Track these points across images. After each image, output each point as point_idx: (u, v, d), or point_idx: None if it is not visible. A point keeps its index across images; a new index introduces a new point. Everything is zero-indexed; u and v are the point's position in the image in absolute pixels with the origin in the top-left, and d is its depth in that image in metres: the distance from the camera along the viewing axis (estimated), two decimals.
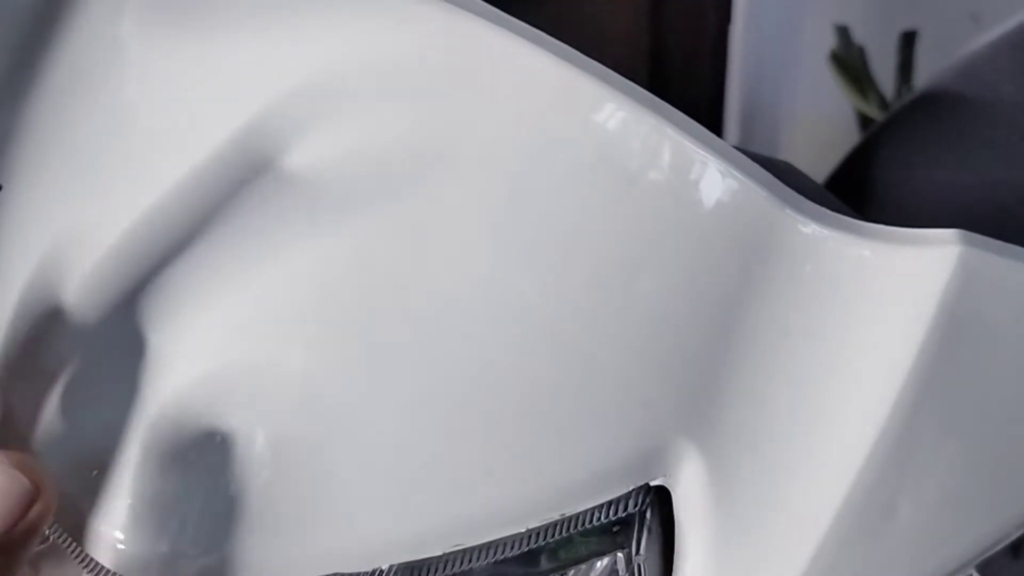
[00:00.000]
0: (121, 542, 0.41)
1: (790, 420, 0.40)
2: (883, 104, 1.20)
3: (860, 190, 0.88)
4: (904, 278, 0.39)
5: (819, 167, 0.94)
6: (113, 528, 0.42)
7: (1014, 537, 0.44)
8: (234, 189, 0.42)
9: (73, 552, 0.42)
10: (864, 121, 1.21)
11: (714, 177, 0.39)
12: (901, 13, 1.22)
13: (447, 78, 0.41)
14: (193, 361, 0.42)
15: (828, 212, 0.40)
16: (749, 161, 0.40)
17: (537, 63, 0.39)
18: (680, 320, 0.40)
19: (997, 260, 0.40)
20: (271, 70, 0.43)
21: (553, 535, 0.40)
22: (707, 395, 0.40)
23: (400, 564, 0.39)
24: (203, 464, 0.41)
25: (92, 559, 0.41)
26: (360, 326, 0.41)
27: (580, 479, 0.40)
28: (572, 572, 0.40)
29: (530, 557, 0.40)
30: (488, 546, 0.39)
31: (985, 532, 0.43)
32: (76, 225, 0.44)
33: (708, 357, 0.40)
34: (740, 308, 0.40)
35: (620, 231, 0.40)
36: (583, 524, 0.40)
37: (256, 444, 0.41)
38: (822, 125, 1.27)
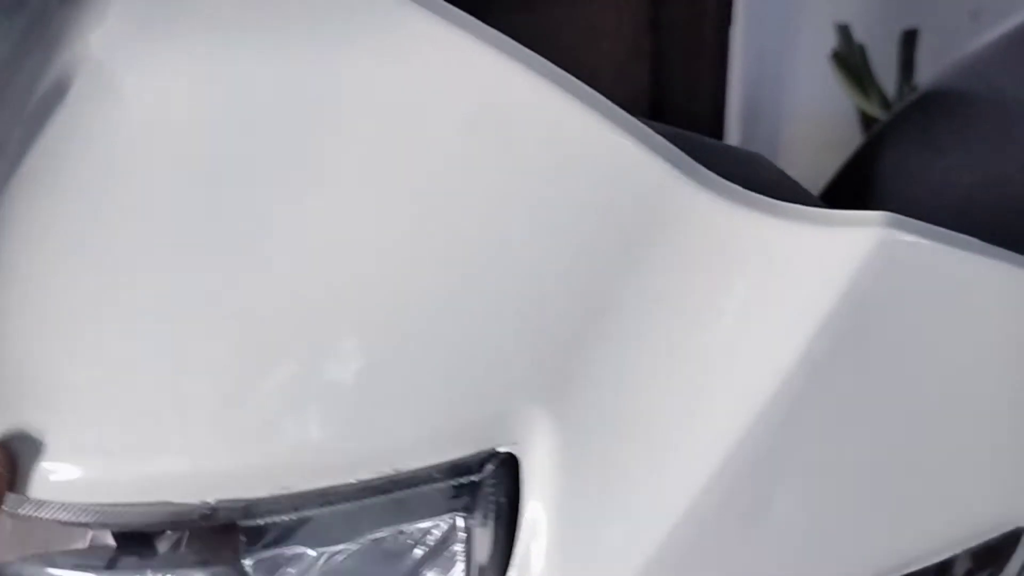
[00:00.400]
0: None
1: (656, 399, 0.39)
2: (884, 102, 1.20)
3: (866, 188, 0.88)
4: (815, 259, 0.39)
5: (820, 166, 0.95)
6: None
7: (931, 562, 0.42)
8: None
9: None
10: (866, 120, 1.21)
11: (599, 138, 0.39)
12: (902, 12, 1.23)
13: (338, 35, 0.41)
14: None
15: (737, 188, 0.40)
16: (644, 128, 0.39)
17: (423, 23, 0.39)
18: (546, 282, 0.39)
19: (923, 244, 0.39)
20: None
21: (387, 491, 0.39)
22: (567, 364, 0.39)
23: (227, 499, 0.38)
24: None
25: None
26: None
27: (417, 435, 0.39)
28: (409, 530, 0.40)
29: (365, 512, 0.39)
30: (316, 493, 0.38)
31: (887, 549, 0.41)
32: None
33: (574, 325, 0.39)
34: (618, 279, 0.39)
35: (492, 185, 0.39)
36: (421, 484, 0.39)
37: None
38: (823, 124, 1.27)
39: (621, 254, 0.39)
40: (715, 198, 0.39)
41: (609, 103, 0.39)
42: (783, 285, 0.38)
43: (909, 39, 1.19)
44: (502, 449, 0.39)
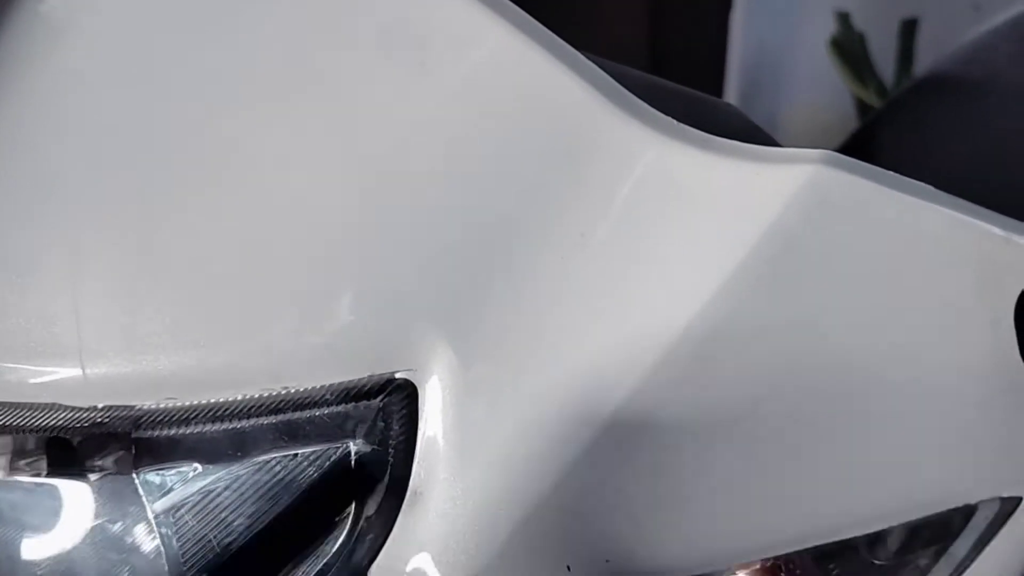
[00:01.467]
0: None
1: (563, 330, 0.38)
2: (882, 91, 1.19)
3: None
4: (746, 193, 0.37)
5: None
6: None
7: (858, 532, 0.39)
8: None
9: None
10: (863, 108, 1.20)
11: (518, 57, 0.37)
12: (902, 1, 1.22)
13: None
14: None
15: (678, 125, 0.38)
16: (573, 52, 0.38)
17: None
18: (454, 207, 0.38)
19: (858, 181, 0.37)
20: None
21: (278, 411, 0.38)
22: (473, 291, 0.38)
23: (115, 405, 0.38)
24: None
25: None
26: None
27: (307, 354, 0.38)
28: (301, 452, 0.39)
29: (255, 432, 0.38)
30: (204, 408, 0.38)
31: (809, 510, 0.38)
32: None
33: (480, 252, 0.38)
34: (537, 208, 0.38)
35: (402, 101, 0.38)
36: (314, 408, 0.38)
37: None
38: (821, 112, 1.26)
39: (539, 185, 0.38)
40: (641, 127, 0.38)
41: (527, 16, 0.38)
42: (709, 220, 0.37)
43: (908, 28, 1.18)
44: (400, 375, 0.38)
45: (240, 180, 0.39)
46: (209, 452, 0.39)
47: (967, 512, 0.41)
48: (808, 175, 0.37)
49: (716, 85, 1.31)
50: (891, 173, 0.38)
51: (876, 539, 0.41)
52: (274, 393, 0.38)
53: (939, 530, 0.42)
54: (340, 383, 0.38)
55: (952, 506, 0.40)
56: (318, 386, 0.38)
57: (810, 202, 0.37)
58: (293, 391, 0.38)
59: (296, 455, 0.39)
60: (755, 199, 0.37)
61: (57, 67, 0.43)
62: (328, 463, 0.38)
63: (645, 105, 0.39)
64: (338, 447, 0.38)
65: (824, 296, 0.38)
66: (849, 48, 1.19)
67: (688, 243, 0.38)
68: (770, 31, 1.29)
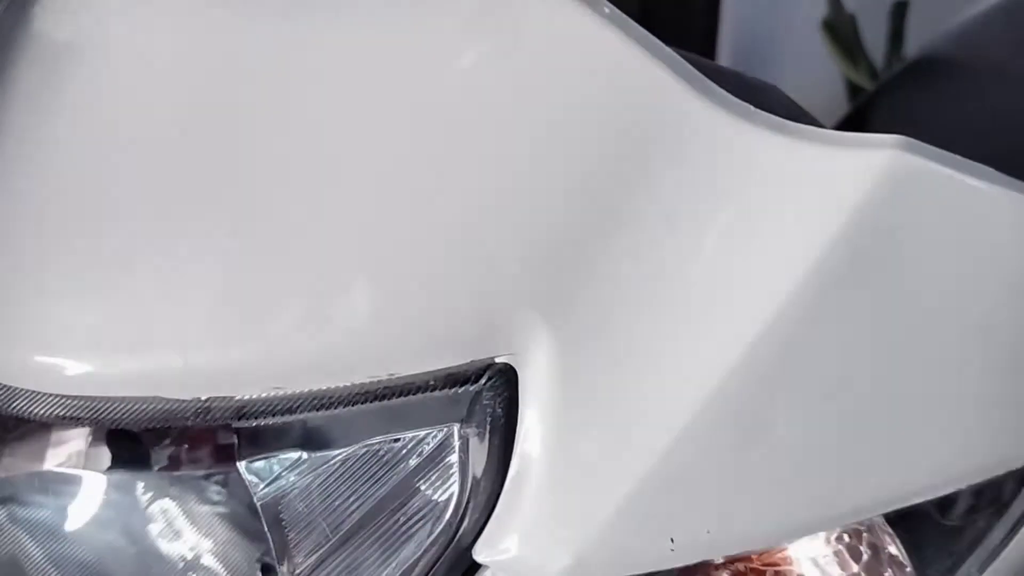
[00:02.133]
0: None
1: (660, 313, 0.39)
2: (873, 73, 1.21)
3: None
4: (828, 179, 0.38)
5: None
6: None
7: (933, 496, 0.42)
8: None
9: None
10: (853, 90, 1.23)
11: (609, 48, 0.38)
12: None
13: None
14: None
15: (757, 111, 0.39)
16: (655, 41, 0.39)
17: None
18: (550, 191, 0.39)
19: (935, 168, 0.39)
20: None
21: (383, 398, 0.38)
22: (569, 277, 0.39)
23: (218, 397, 0.38)
24: None
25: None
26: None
27: (413, 340, 0.38)
28: (404, 437, 0.39)
29: (360, 418, 0.39)
30: (309, 396, 0.38)
31: (888, 479, 0.40)
32: None
33: (576, 236, 0.39)
34: (628, 190, 0.39)
35: (497, 89, 0.39)
36: (417, 392, 0.38)
37: None
38: (812, 92, 1.28)
39: (629, 169, 0.39)
40: (726, 115, 0.39)
41: (621, 14, 0.39)
42: (792, 205, 0.39)
43: (899, 10, 1.21)
44: (500, 359, 0.39)
45: (335, 164, 0.40)
46: (314, 439, 0.39)
47: (1021, 475, 0.44)
48: (887, 160, 0.38)
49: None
50: (959, 157, 0.40)
51: (945, 502, 0.43)
52: (379, 379, 0.38)
53: (997, 492, 0.45)
54: (443, 369, 0.38)
55: (1011, 468, 0.43)
56: (422, 372, 0.38)
57: (890, 186, 0.38)
58: (397, 377, 0.38)
59: (400, 439, 0.39)
60: (837, 184, 0.39)
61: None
62: (431, 447, 0.39)
63: (725, 93, 0.40)
64: (441, 431, 0.39)
65: (906, 275, 0.39)
66: (840, 30, 1.21)
67: (774, 227, 0.39)
68: (761, 13, 1.31)
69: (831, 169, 0.39)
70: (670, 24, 1.30)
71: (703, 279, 0.39)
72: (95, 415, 0.39)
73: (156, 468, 0.41)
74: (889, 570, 0.43)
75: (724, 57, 1.32)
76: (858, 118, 0.98)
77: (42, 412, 0.38)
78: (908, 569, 0.44)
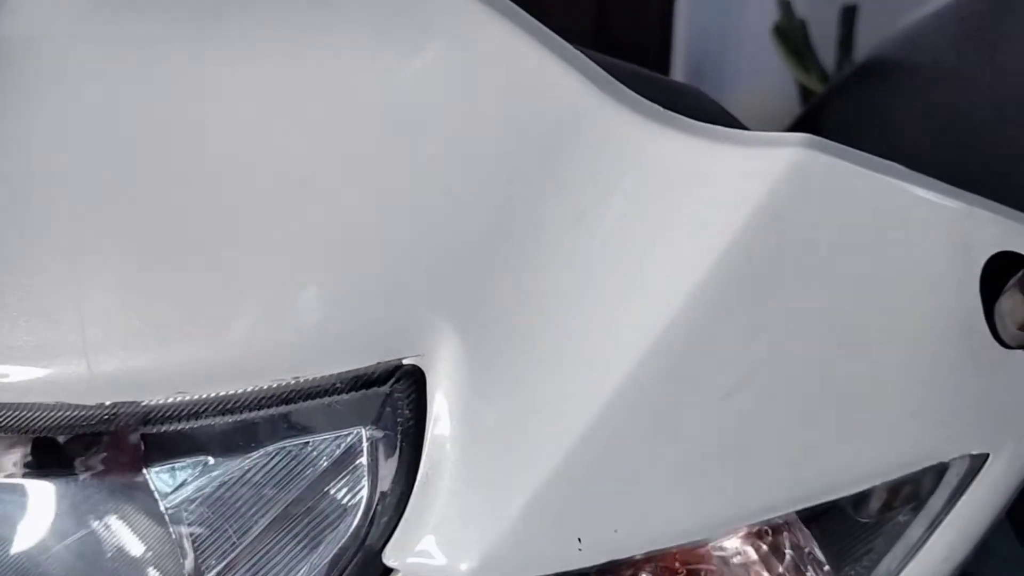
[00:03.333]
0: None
1: (564, 312, 0.39)
2: (824, 77, 1.22)
3: None
4: (731, 177, 0.39)
5: None
6: None
7: (846, 493, 0.41)
8: None
9: None
10: (805, 93, 1.24)
11: (515, 51, 0.39)
12: None
13: None
14: None
15: (662, 111, 0.40)
16: (563, 44, 0.39)
17: None
18: (456, 193, 0.39)
19: (840, 165, 0.39)
20: None
21: (289, 400, 0.38)
22: (475, 275, 0.39)
23: (123, 402, 0.38)
24: None
25: None
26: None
27: (319, 342, 0.38)
28: (313, 440, 0.39)
29: (266, 422, 0.39)
30: (215, 401, 0.38)
31: (799, 476, 0.40)
32: None
33: (483, 235, 0.39)
34: (533, 191, 0.39)
35: (405, 91, 0.39)
36: (324, 396, 0.38)
37: None
38: (765, 97, 1.29)
39: (535, 170, 0.39)
40: (632, 114, 0.39)
41: (527, 16, 0.40)
42: (697, 203, 0.39)
43: (848, 15, 1.22)
44: (407, 361, 0.39)
45: (242, 169, 0.40)
46: (221, 444, 0.39)
47: (940, 469, 0.44)
48: (791, 158, 0.39)
49: (662, 73, 1.33)
50: (866, 154, 0.40)
51: (860, 499, 0.43)
52: (284, 383, 0.38)
53: (915, 488, 0.44)
54: (349, 371, 0.38)
55: (927, 464, 0.43)
56: (327, 374, 0.38)
57: (794, 183, 0.39)
58: (303, 380, 0.38)
59: (308, 443, 0.39)
60: (742, 182, 0.39)
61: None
62: (340, 450, 0.39)
63: (632, 93, 0.40)
64: (349, 433, 0.39)
65: (810, 271, 0.40)
66: (791, 35, 1.22)
67: (678, 225, 0.39)
68: (714, 19, 1.32)
69: (737, 168, 0.39)
70: (625, 36, 1.31)
71: (607, 277, 0.39)
72: (3, 423, 0.38)
73: (80, 476, 0.40)
74: (810, 568, 0.43)
75: (679, 66, 1.33)
76: (809, 120, 0.99)
77: None
78: (826, 568, 0.44)
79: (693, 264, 0.39)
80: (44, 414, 0.38)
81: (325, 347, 0.39)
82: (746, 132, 0.40)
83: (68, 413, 0.38)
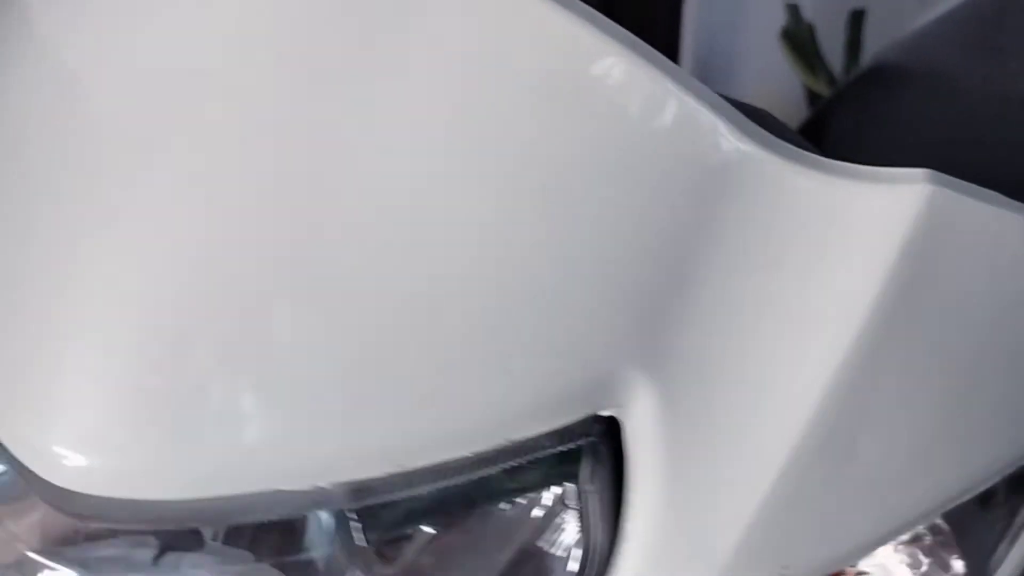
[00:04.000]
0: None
1: (746, 354, 0.40)
2: (831, 81, 1.22)
3: None
4: (872, 214, 0.40)
5: None
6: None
7: (981, 489, 0.47)
8: None
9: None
10: (812, 97, 1.24)
11: (675, 106, 0.39)
12: None
13: None
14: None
15: (798, 150, 0.41)
16: (712, 94, 0.40)
17: None
18: (634, 247, 0.40)
19: (963, 200, 0.42)
20: None
21: (501, 462, 0.39)
22: (660, 325, 0.40)
23: (341, 483, 0.37)
24: None
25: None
26: (300, 248, 0.38)
27: (526, 405, 0.39)
28: (522, 501, 0.40)
29: (479, 485, 0.39)
30: (432, 470, 0.38)
31: (952, 481, 0.45)
32: None
33: (663, 286, 0.40)
34: (698, 238, 0.40)
35: (573, 152, 0.39)
36: (532, 453, 0.39)
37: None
38: (772, 101, 1.29)
39: (701, 219, 0.40)
40: (779, 159, 0.40)
41: (675, 66, 0.40)
42: (847, 240, 0.40)
43: (856, 19, 1.22)
44: (605, 413, 0.39)
45: (451, 251, 0.39)
46: (435, 511, 0.40)
47: None
48: (926, 196, 0.40)
49: None
50: (972, 185, 0.43)
51: (988, 494, 0.48)
52: (499, 446, 0.38)
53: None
54: (555, 427, 0.39)
55: None
56: (536, 434, 0.39)
57: (932, 218, 0.40)
58: (515, 441, 0.38)
59: (518, 502, 0.40)
60: (885, 219, 0.40)
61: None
62: (548, 506, 0.40)
63: (765, 132, 0.40)
64: (556, 490, 0.40)
65: (949, 299, 0.43)
66: (799, 39, 1.22)
67: (832, 264, 0.41)
68: (722, 22, 1.32)
69: (876, 205, 0.41)
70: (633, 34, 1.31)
71: (780, 318, 0.41)
72: (211, 518, 0.38)
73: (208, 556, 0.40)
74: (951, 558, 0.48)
75: (686, 67, 1.33)
76: (816, 124, 0.99)
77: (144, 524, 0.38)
78: (960, 562, 0.48)
79: (855, 303, 0.40)
80: (257, 500, 0.37)
81: (534, 407, 0.39)
82: (864, 168, 0.42)
83: (281, 499, 0.37)
